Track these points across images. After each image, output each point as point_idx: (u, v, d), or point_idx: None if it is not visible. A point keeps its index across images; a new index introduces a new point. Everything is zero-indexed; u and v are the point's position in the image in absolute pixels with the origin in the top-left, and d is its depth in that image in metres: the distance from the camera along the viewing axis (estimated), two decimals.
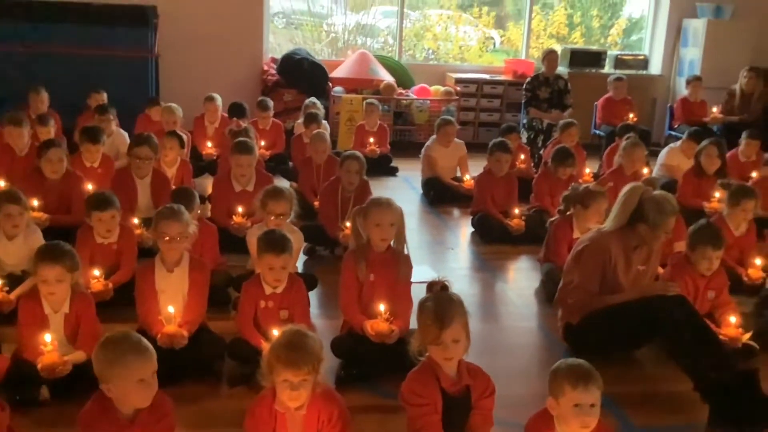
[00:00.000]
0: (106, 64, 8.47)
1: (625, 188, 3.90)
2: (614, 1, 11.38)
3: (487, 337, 4.24)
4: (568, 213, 4.91)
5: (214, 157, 7.52)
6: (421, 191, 7.40)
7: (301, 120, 8.23)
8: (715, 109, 8.92)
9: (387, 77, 9.62)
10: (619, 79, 9.00)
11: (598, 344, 3.82)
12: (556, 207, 6.17)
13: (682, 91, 9.99)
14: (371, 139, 8.07)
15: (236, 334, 3.75)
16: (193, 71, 9.12)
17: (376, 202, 3.80)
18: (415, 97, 9.62)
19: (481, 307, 4.79)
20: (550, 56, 8.70)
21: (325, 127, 7.75)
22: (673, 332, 3.55)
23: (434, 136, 7.38)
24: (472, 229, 6.25)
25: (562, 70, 9.44)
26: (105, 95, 7.88)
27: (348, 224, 5.18)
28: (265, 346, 3.48)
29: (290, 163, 7.65)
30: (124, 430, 2.58)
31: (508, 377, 3.69)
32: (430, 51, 11.50)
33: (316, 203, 6.01)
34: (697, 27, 9.86)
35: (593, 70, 10.08)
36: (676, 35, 10.25)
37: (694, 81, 9.04)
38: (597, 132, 9.12)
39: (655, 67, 10.41)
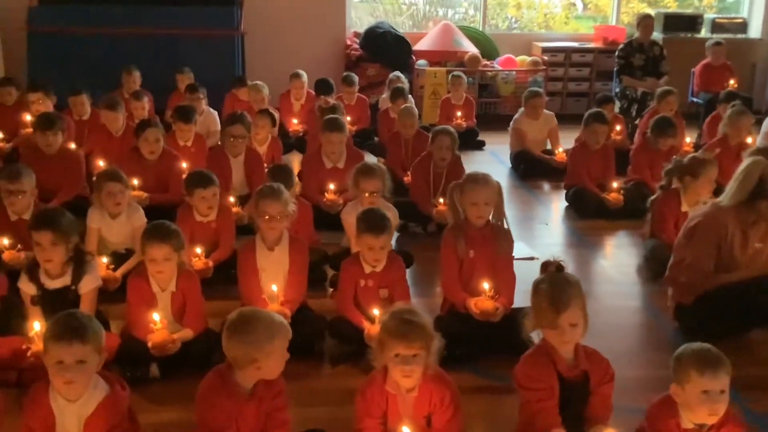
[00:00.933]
0: (192, 43, 8.55)
1: (745, 162, 3.68)
2: None
3: (591, 317, 4.03)
4: (673, 187, 4.68)
5: (301, 134, 7.54)
6: (509, 165, 7.23)
7: (386, 95, 8.16)
8: None
9: (471, 48, 9.41)
10: (718, 43, 8.56)
11: (714, 326, 3.62)
12: (656, 180, 5.93)
13: None
14: (458, 113, 7.92)
15: (336, 313, 3.73)
16: (277, 49, 9.12)
17: (473, 179, 3.70)
18: (500, 68, 9.40)
19: (582, 285, 4.61)
20: (645, 21, 8.34)
21: (410, 101, 7.65)
22: None
23: (522, 109, 7.18)
24: (566, 204, 6.07)
25: (655, 35, 9.05)
26: (191, 74, 7.96)
27: (441, 200, 5.12)
28: (367, 326, 3.49)
29: (376, 139, 7.58)
30: (244, 404, 2.58)
31: (617, 359, 3.51)
32: (514, 20, 11.20)
33: (406, 179, 5.94)
34: None
35: (689, 35, 9.61)
36: None
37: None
38: (694, 100, 8.73)
39: (755, 31, 9.86)
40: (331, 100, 7.16)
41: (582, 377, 2.62)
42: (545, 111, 7.15)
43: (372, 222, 3.58)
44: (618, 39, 9.55)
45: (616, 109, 8.25)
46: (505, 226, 3.76)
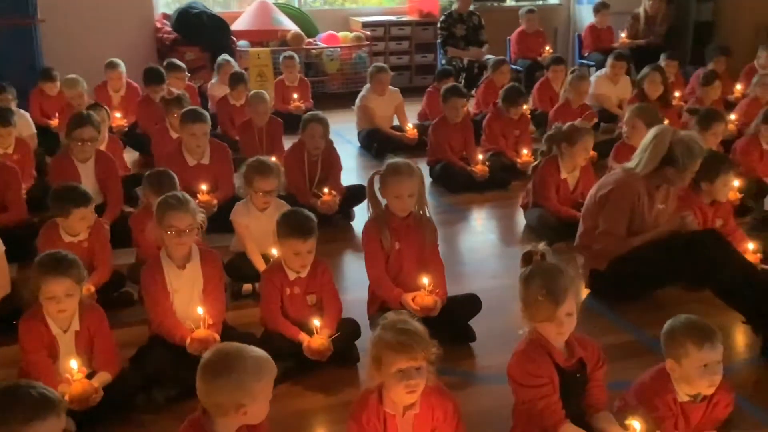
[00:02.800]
0: None
1: (654, 130, 3.79)
2: None
3: (500, 295, 3.94)
4: (551, 153, 4.78)
5: (125, 129, 6.86)
6: (358, 144, 7.09)
7: (215, 80, 7.68)
8: (623, 35, 9.05)
9: (292, 26, 9.10)
10: (531, 11, 8.95)
11: (629, 287, 3.76)
12: (510, 148, 6.10)
13: (582, 20, 10.12)
14: (294, 95, 7.62)
15: (265, 328, 3.40)
16: (79, 37, 8.25)
17: (395, 169, 3.50)
18: (324, 45, 9.18)
19: (483, 263, 4.61)
20: None
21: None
22: (713, 270, 3.52)
23: (368, 86, 7.04)
24: (431, 180, 6.04)
25: (455, 5, 9.25)
26: None
27: (326, 190, 4.88)
28: (305, 338, 3.21)
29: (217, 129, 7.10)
30: None
31: None
32: None
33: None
34: None
35: (495, 4, 9.96)
36: None
37: (601, 8, 9.11)
38: (513, 67, 9.05)
39: None
40: (163, 89, 6.55)
41: (578, 366, 2.55)
42: (390, 87, 7.06)
43: (298, 225, 3.29)
44: (432, 11, 9.69)
45: None
46: (427, 214, 3.61)
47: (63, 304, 2.89)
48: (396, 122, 7.13)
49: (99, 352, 3.01)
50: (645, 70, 6.45)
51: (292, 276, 3.37)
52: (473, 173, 5.70)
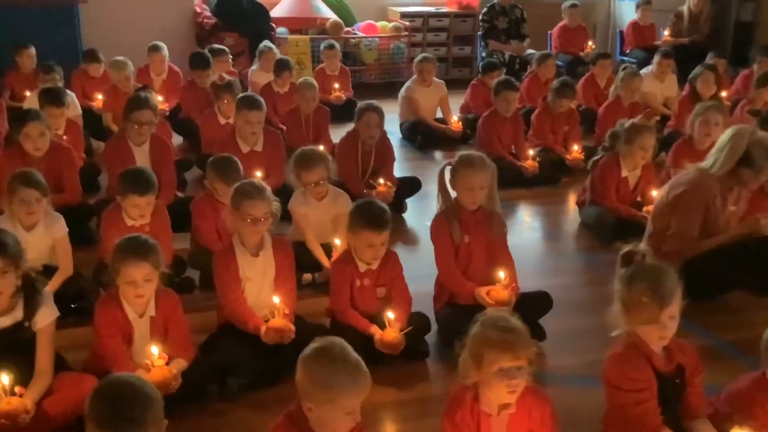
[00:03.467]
0: (22, 14, 7.48)
1: (731, 131, 3.71)
2: None
3: (557, 294, 3.74)
4: (614, 150, 4.70)
5: (167, 113, 6.81)
6: (400, 135, 7.02)
7: (255, 66, 7.62)
8: (666, 32, 8.94)
9: (331, 15, 9.04)
10: (574, 5, 8.83)
11: (699, 291, 3.66)
12: (559, 144, 6.02)
13: (623, 16, 10.00)
14: (335, 85, 7.55)
15: (333, 319, 3.36)
16: (117, 19, 8.21)
17: (468, 161, 3.44)
18: (363, 35, 9.10)
19: (537, 261, 4.54)
20: None
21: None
22: None
23: (414, 77, 6.96)
24: None
25: None
26: (33, 51, 6.97)
27: (381, 181, 4.82)
28: (376, 331, 3.16)
29: None
30: None
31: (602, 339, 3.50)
32: None
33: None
34: None
35: None
36: None
37: (644, 4, 8.99)
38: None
39: None
40: (211, 75, 6.50)
41: (677, 371, 2.49)
42: (435, 78, 6.98)
43: (373, 216, 3.23)
44: (471, 3, 9.60)
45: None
46: (498, 208, 3.55)
47: (141, 289, 2.85)
48: (439, 114, 7.05)
49: (174, 338, 2.97)
50: (698, 69, 6.35)
51: (362, 267, 3.32)
52: (523, 168, 5.63)
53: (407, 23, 9.27)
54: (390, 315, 3.16)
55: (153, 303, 2.95)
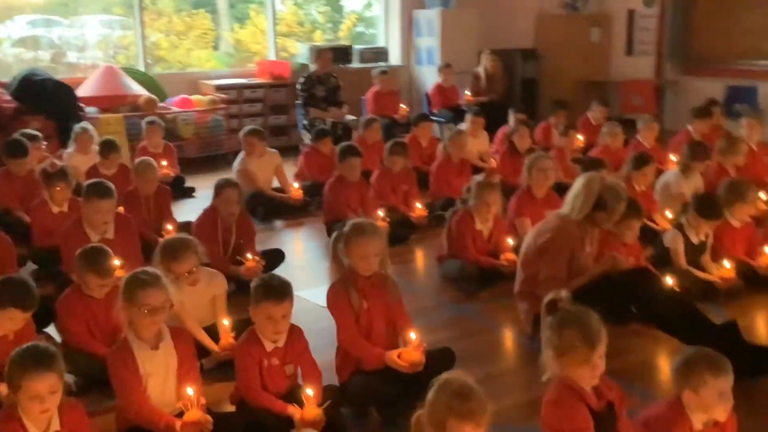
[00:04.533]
0: None
1: (583, 178, 4.06)
2: None
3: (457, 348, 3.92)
4: (466, 207, 4.98)
5: None
6: None
7: (70, 149, 7.20)
8: (468, 92, 9.61)
9: (143, 91, 8.79)
10: (384, 72, 9.27)
11: None
12: (401, 203, 6.27)
13: (423, 78, 10.65)
14: (163, 162, 7.32)
15: (243, 403, 3.22)
16: None
17: (360, 230, 3.48)
18: (179, 109, 8.92)
19: (415, 320, 4.63)
20: (323, 55, 8.70)
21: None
22: (653, 305, 3.83)
23: (243, 150, 6.92)
24: (328, 239, 6.04)
25: (312, 67, 9.46)
26: None
27: (250, 256, 4.73)
28: (294, 410, 3.09)
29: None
30: None
31: (502, 384, 3.70)
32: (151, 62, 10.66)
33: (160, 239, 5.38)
34: (429, 17, 10.49)
35: (343, 66, 10.20)
36: (409, 27, 10.80)
37: (444, 68, 9.64)
38: None
39: (395, 58, 10.89)
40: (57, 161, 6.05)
41: (608, 407, 2.66)
42: (268, 148, 7.00)
43: (271, 287, 3.17)
44: (283, 73, 9.78)
45: (307, 140, 8.52)
46: (388, 271, 3.61)
47: (48, 402, 2.58)
48: (275, 183, 7.05)
49: None
50: (513, 125, 6.92)
51: (269, 347, 3.23)
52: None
53: (223, 96, 9.22)
54: (309, 392, 3.09)
55: (56, 417, 2.67)
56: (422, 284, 5.27)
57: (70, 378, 3.01)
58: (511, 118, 8.17)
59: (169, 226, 5.53)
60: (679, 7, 10.70)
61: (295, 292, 3.28)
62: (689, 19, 10.79)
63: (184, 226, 5.77)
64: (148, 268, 3.20)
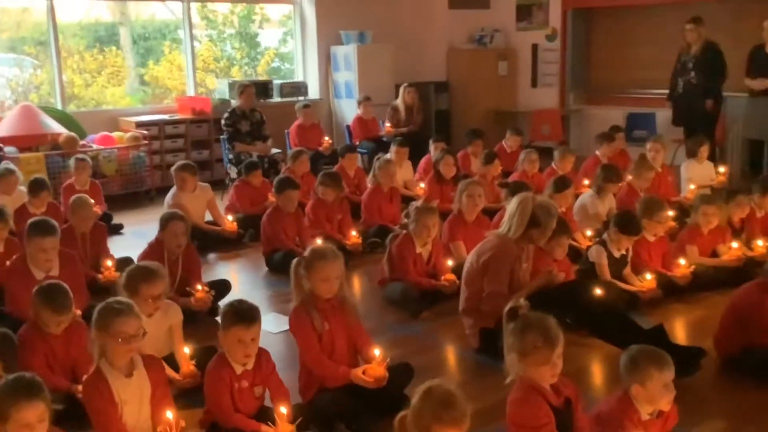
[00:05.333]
0: None
1: (517, 198, 4.35)
2: (248, 34, 11.72)
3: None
4: (405, 231, 5.22)
5: None
6: None
7: None
8: (388, 124, 9.93)
9: (62, 129, 8.68)
10: (306, 106, 9.48)
11: None
12: (335, 231, 6.46)
13: (342, 111, 10.93)
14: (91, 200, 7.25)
15: (214, 427, 3.32)
16: None
17: (321, 255, 3.66)
18: (101, 147, 8.85)
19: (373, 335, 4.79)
20: (247, 90, 8.82)
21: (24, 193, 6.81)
22: (588, 315, 4.16)
23: (175, 185, 6.97)
24: (267, 270, 6.18)
25: (235, 102, 9.59)
26: None
27: (199, 287, 4.81)
28: (267, 430, 3.22)
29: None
30: None
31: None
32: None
33: (101, 277, 5.41)
34: (346, 52, 10.78)
35: (263, 100, 10.35)
36: (326, 61, 11.08)
37: (365, 101, 9.94)
38: None
39: (314, 92, 11.12)
40: None
41: (566, 403, 2.91)
42: (200, 183, 7.07)
43: (242, 311, 3.32)
44: (204, 108, 9.85)
45: (233, 174, 8.62)
46: (345, 293, 3.80)
47: (37, 431, 2.63)
48: (208, 217, 7.12)
49: None
50: (439, 154, 7.26)
51: (239, 370, 3.35)
52: None
53: (144, 132, 9.21)
54: (282, 410, 3.23)
55: None
56: (365, 308, 5.42)
57: (57, 405, 3.02)
58: (433, 147, 8.51)
59: (109, 262, 5.57)
60: (579, 41, 11.42)
61: None
62: (589, 53, 11.53)
63: (123, 262, 5.82)
64: (119, 297, 3.28)
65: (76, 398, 3.52)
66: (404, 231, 5.28)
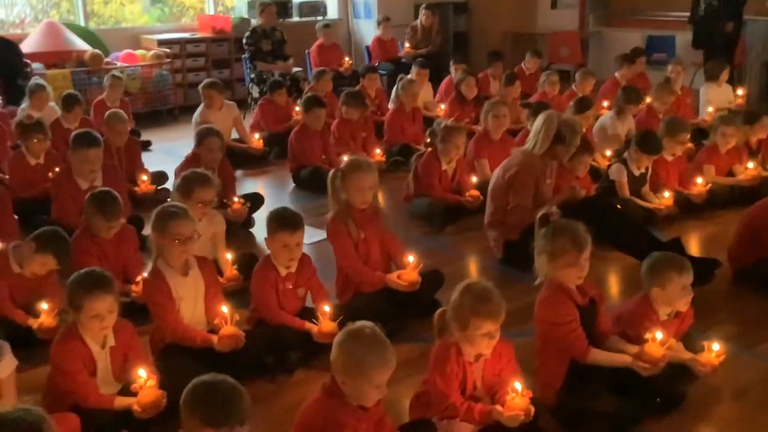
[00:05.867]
0: None
1: (542, 116, 4.52)
2: None
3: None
4: (434, 146, 5.39)
5: None
6: None
7: (24, 105, 7.21)
8: (407, 45, 9.96)
9: (87, 47, 8.79)
10: (327, 25, 9.51)
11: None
12: (359, 149, 6.63)
13: (361, 32, 10.94)
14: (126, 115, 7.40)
15: (264, 323, 3.57)
16: None
17: (356, 165, 3.86)
18: (125, 64, 8.96)
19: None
20: (268, 9, 8.83)
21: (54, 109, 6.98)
22: (609, 228, 4.35)
23: (203, 103, 7.10)
24: (294, 186, 6.38)
25: (255, 21, 9.63)
26: None
27: (236, 199, 5.03)
28: (312, 326, 3.46)
29: None
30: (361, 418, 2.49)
31: None
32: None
33: (138, 189, 5.62)
34: None
35: (283, 20, 10.36)
36: None
37: (384, 21, 9.95)
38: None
39: (333, 12, 11.10)
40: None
41: (590, 303, 3.14)
42: (225, 101, 7.21)
43: (287, 218, 3.55)
44: (224, 27, 9.89)
45: (255, 94, 8.74)
46: (379, 204, 4.01)
47: (107, 321, 2.89)
48: (234, 134, 7.28)
49: (134, 366, 3.01)
50: (461, 75, 7.37)
51: (283, 272, 3.59)
52: None
53: (166, 50, 9.29)
54: (326, 308, 3.48)
55: (112, 334, 2.98)
56: (391, 222, 5.61)
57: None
58: (453, 68, 8.58)
59: (144, 177, 5.77)
60: None
61: None
62: None
63: (157, 176, 6.05)
64: (174, 202, 3.49)
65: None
66: (429, 149, 5.43)
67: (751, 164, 5.72)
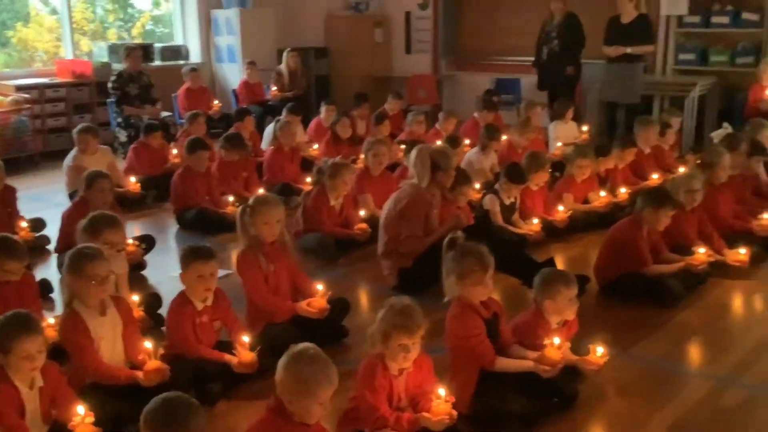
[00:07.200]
0: None
1: (415, 150, 4.93)
2: None
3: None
4: (321, 184, 5.63)
5: None
6: (68, 203, 6.97)
7: None
8: (274, 88, 10.20)
9: None
10: (194, 69, 9.60)
11: (432, 276, 4.77)
12: (242, 189, 6.78)
13: (225, 75, 11.08)
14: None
15: (177, 359, 3.64)
16: None
17: (264, 201, 4.07)
18: None
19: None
20: (134, 53, 8.88)
21: None
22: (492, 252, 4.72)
23: (76, 147, 7.01)
24: (177, 227, 6.42)
25: (116, 66, 9.58)
26: None
27: (130, 241, 5.02)
28: (231, 359, 3.59)
29: None
30: None
31: None
32: None
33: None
34: (227, 16, 10.89)
35: (145, 64, 10.29)
36: (207, 25, 11.14)
37: (250, 65, 10.15)
38: (182, 121, 9.56)
39: (195, 56, 11.17)
40: None
41: (493, 317, 3.47)
42: (99, 145, 7.14)
43: (199, 250, 3.69)
44: (85, 71, 9.73)
45: (123, 138, 8.68)
46: (286, 238, 4.21)
47: (37, 361, 2.90)
48: None
49: (64, 404, 3.03)
50: (336, 117, 7.72)
51: (199, 306, 3.70)
52: (226, 214, 6.22)
53: (25, 96, 9.02)
54: (245, 338, 3.61)
55: (39, 375, 2.98)
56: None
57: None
58: (324, 110, 8.87)
59: (23, 223, 5.64)
60: (449, 10, 12.06)
61: (170, 273, 3.74)
62: (458, 21, 12.21)
63: (35, 223, 5.92)
64: (87, 243, 3.52)
65: None
66: (318, 186, 5.67)
67: (603, 192, 6.38)
